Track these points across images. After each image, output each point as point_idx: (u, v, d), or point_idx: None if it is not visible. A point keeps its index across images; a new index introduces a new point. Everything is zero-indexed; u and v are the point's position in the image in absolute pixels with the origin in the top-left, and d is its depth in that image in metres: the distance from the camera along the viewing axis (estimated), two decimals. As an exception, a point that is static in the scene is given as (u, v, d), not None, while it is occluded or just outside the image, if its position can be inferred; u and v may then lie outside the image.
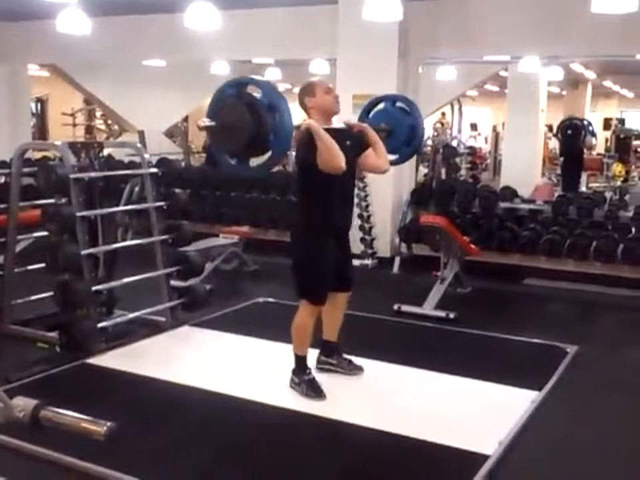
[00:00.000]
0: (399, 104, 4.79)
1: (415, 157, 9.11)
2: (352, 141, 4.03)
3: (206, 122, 3.69)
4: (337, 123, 4.14)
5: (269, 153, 3.72)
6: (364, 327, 5.30)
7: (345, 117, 4.17)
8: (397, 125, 4.61)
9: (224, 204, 8.74)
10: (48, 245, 4.82)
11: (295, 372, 4.15)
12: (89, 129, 15.59)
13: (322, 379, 4.19)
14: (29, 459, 3.21)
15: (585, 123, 12.46)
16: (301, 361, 4.15)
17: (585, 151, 12.61)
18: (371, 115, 4.73)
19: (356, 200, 6.76)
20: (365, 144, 4.10)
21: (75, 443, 1.70)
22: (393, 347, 5.01)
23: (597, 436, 3.81)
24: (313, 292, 4.06)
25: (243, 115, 3.58)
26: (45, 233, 4.94)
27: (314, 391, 4.05)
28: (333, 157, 3.72)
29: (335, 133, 3.84)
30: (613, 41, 7.05)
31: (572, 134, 11.56)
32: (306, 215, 4.04)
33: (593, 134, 12.63)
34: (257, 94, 3.68)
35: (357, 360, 4.47)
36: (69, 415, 1.59)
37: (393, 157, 4.60)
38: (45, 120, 15.84)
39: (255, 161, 3.96)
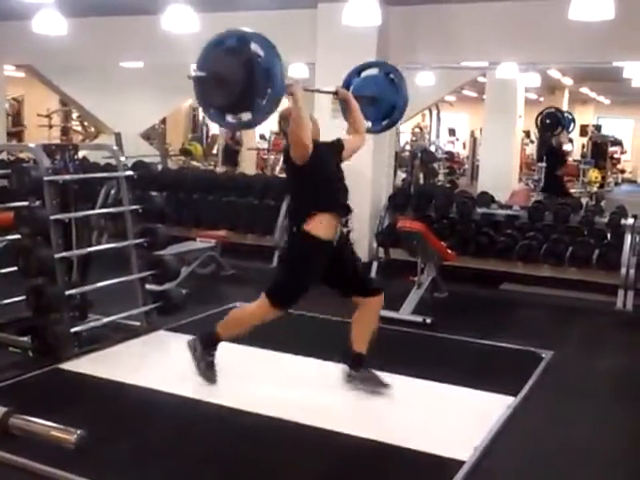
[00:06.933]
0: (391, 76, 4.68)
1: (393, 162, 9.18)
2: (333, 149, 4.10)
3: (197, 73, 3.60)
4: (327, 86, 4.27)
5: (250, 114, 3.66)
6: (340, 331, 5.27)
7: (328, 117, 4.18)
8: (381, 97, 4.56)
9: (201, 207, 8.68)
10: (21, 248, 4.74)
11: (203, 343, 4.19)
12: (65, 131, 15.46)
13: (293, 383, 4.16)
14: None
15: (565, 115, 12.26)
16: (215, 342, 4.20)
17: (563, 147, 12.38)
18: (362, 75, 4.68)
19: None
20: (342, 146, 4.14)
21: (46, 448, 1.67)
22: (369, 352, 4.98)
23: (573, 441, 3.82)
24: (284, 297, 4.03)
25: (238, 73, 3.49)
26: (18, 236, 4.87)
27: (211, 372, 4.16)
28: (300, 127, 3.72)
29: (320, 145, 3.94)
30: (590, 48, 7.11)
31: (550, 123, 11.46)
32: (301, 206, 4.02)
33: (569, 126, 12.43)
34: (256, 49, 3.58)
35: (333, 365, 4.46)
36: (38, 423, 1.56)
37: (367, 124, 4.63)
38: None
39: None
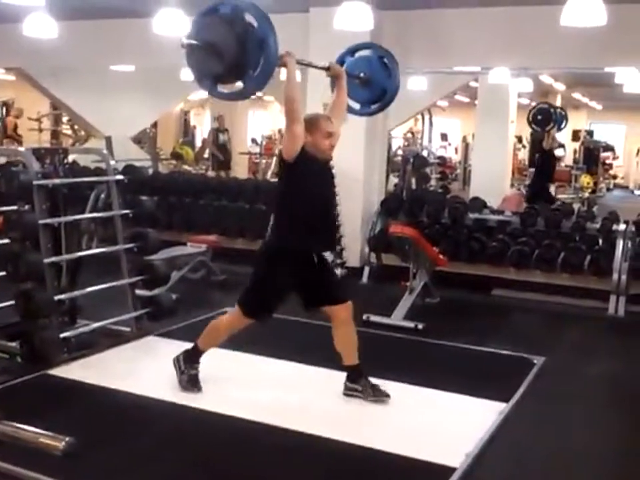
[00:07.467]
0: (385, 60, 4.64)
1: (385, 167, 9.17)
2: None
3: (190, 40, 3.55)
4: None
5: (242, 84, 3.63)
6: (332, 337, 5.26)
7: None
8: (373, 80, 4.53)
9: (192, 212, 8.65)
10: (9, 252, 4.70)
11: (185, 359, 4.21)
12: (56, 134, 15.39)
13: (281, 389, 4.12)
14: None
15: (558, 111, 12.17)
16: (197, 354, 4.21)
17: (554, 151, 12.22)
18: (356, 55, 4.65)
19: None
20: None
21: (35, 455, 1.64)
22: (360, 358, 4.95)
23: (564, 447, 3.81)
24: (253, 308, 4.03)
25: (231, 43, 3.47)
26: (7, 241, 4.83)
27: (192, 386, 4.17)
28: (292, 88, 3.75)
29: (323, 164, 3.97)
30: (582, 54, 7.12)
31: (542, 119, 11.38)
32: (282, 225, 4.01)
33: (561, 123, 12.36)
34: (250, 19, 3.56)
35: (323, 371, 4.43)
36: (26, 430, 1.54)
37: (356, 106, 4.63)
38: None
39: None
